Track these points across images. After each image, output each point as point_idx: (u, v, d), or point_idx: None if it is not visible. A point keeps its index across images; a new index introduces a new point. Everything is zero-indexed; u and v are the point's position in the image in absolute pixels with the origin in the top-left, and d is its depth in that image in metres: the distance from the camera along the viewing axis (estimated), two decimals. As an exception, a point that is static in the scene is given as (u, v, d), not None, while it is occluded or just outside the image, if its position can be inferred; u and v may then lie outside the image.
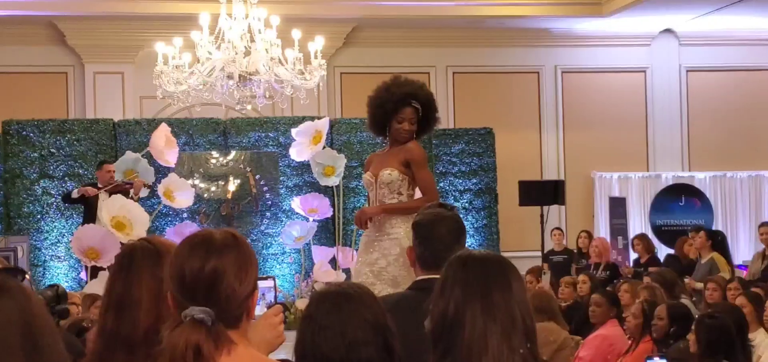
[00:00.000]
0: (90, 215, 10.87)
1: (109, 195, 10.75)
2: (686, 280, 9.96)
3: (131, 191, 10.99)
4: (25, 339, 1.84)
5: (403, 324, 3.02)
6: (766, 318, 6.42)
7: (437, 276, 3.39)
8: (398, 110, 5.99)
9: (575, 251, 13.21)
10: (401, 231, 5.95)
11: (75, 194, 11.14)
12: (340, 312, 2.58)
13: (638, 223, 15.20)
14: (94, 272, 9.20)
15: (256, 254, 2.58)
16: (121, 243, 9.56)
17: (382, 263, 5.95)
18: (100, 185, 11.07)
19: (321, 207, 12.22)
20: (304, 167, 12.49)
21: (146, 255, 2.74)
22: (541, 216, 14.13)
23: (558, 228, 13.87)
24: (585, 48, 15.70)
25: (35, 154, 12.36)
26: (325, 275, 11.79)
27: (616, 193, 15.41)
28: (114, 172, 11.13)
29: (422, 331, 2.89)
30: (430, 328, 2.44)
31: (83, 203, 10.94)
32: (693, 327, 5.47)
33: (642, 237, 12.75)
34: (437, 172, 13.75)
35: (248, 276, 2.42)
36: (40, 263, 12.17)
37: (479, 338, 2.34)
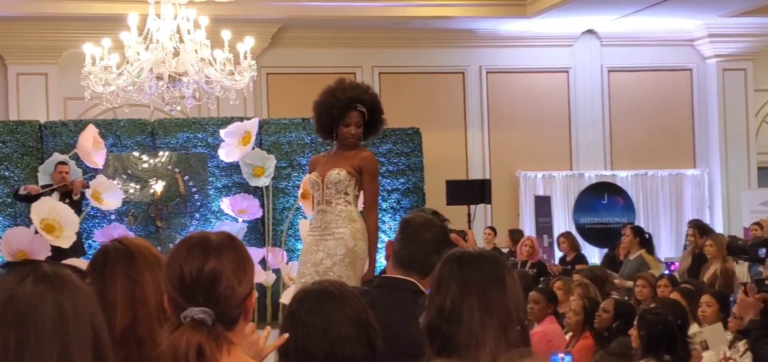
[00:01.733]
0: None
1: (60, 194, 10.61)
2: (616, 280, 10.17)
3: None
4: (94, 337, 1.87)
5: None
6: (701, 313, 6.63)
7: (404, 278, 3.45)
8: (344, 114, 6.04)
9: (506, 250, 13.38)
10: (347, 232, 6.01)
11: (22, 191, 10.97)
12: (323, 310, 2.61)
13: (562, 222, 15.45)
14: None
15: None
16: (52, 246, 9.46)
17: (328, 263, 6.01)
18: (55, 185, 10.90)
19: (250, 207, 12.19)
20: (233, 168, 12.42)
21: (119, 256, 2.72)
22: (469, 215, 14.29)
23: (490, 228, 14.04)
24: (509, 48, 15.91)
25: (-41, 156, 12.09)
26: (256, 276, 11.76)
27: (541, 192, 15.66)
28: (65, 172, 10.98)
29: (384, 326, 2.94)
30: (426, 324, 2.49)
31: (33, 202, 10.72)
32: (635, 322, 5.61)
33: (567, 235, 12.96)
34: (365, 171, 13.78)
35: (247, 276, 2.43)
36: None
37: (477, 333, 2.41)
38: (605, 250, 13.58)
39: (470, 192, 14.48)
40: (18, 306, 1.82)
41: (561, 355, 2.77)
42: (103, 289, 2.67)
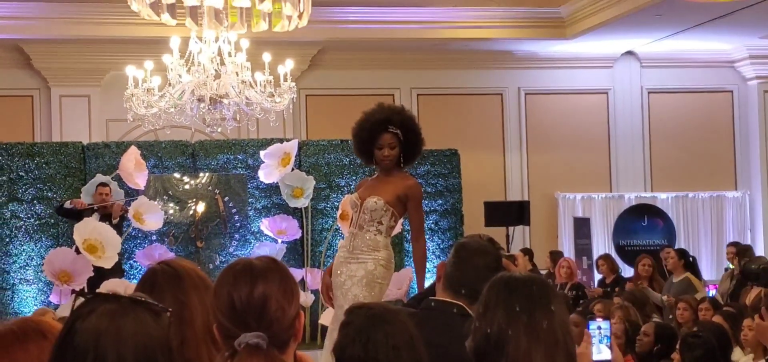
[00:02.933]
0: None
1: (100, 216, 10.74)
2: (663, 297, 10.06)
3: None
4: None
5: None
6: (743, 337, 6.56)
7: (452, 301, 3.45)
8: (375, 137, 6.05)
9: (545, 272, 13.31)
10: (369, 259, 6.07)
11: (68, 204, 11.08)
12: (404, 332, 2.60)
13: (602, 243, 15.36)
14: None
15: None
16: (94, 267, 9.59)
17: (348, 284, 6.07)
18: (95, 206, 11.03)
19: (289, 228, 12.28)
20: (273, 189, 12.51)
21: (168, 279, 2.74)
22: (507, 236, 14.25)
23: (523, 250, 13.98)
24: (548, 70, 15.88)
25: (3, 177, 12.20)
26: (295, 297, 11.82)
27: (580, 214, 15.57)
28: (105, 194, 11.13)
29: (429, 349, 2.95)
30: (471, 347, 2.50)
31: (75, 219, 10.87)
32: (677, 346, 5.56)
33: (606, 257, 12.83)
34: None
35: (294, 297, 2.45)
36: (8, 286, 12.04)
37: (523, 358, 2.41)
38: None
39: (508, 213, 14.45)
40: (74, 338, 1.91)
41: (598, 322, 2.78)
42: None
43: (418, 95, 15.65)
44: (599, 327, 2.71)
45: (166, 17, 9.27)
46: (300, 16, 9.56)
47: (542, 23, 14.72)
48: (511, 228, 14.34)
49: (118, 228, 10.92)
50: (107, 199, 11.04)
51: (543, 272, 13.25)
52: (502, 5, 14.41)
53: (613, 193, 15.94)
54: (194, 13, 9.47)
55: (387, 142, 6.02)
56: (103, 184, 11.33)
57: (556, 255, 13.26)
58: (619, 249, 15.12)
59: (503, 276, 2.63)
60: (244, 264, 2.48)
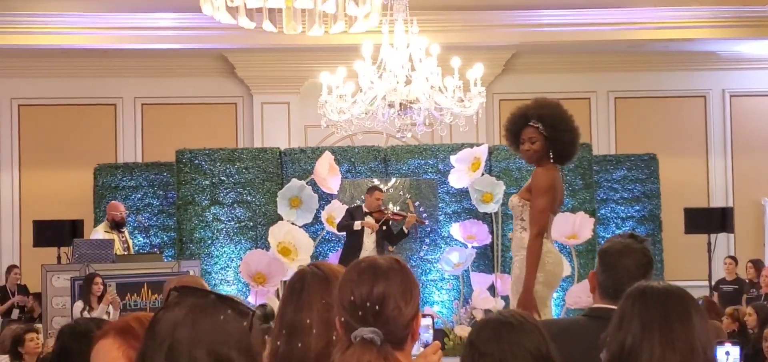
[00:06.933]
0: (357, 242, 11.27)
1: (378, 224, 11.19)
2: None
3: (402, 224, 11.47)
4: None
5: (570, 348, 3.05)
6: None
7: (615, 307, 3.39)
8: (519, 132, 5.99)
9: (746, 281, 12.74)
10: (517, 259, 6.12)
11: (357, 226, 11.47)
12: (500, 341, 2.60)
13: (813, 253, 14.55)
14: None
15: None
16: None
17: (515, 287, 6.12)
18: (366, 209, 11.46)
19: (480, 233, 12.28)
20: (463, 194, 12.55)
21: (316, 281, 2.83)
22: (709, 244, 13.71)
23: (731, 257, 13.45)
24: (755, 70, 15.20)
25: (206, 182, 12.82)
26: (483, 302, 11.83)
27: (789, 221, 14.80)
28: (382, 199, 11.61)
29: (591, 357, 2.90)
30: (606, 359, 2.47)
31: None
32: None
33: None
34: (598, 198, 13.57)
35: (413, 298, 2.52)
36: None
37: None
38: None
39: (710, 220, 13.88)
40: (155, 326, 2.01)
41: (727, 347, 2.69)
42: (300, 313, 2.80)
43: (615, 98, 15.32)
44: (727, 353, 2.62)
45: (243, 21, 9.01)
46: (366, 16, 9.04)
47: (747, 22, 14.09)
48: (713, 236, 13.78)
49: (400, 236, 11.43)
50: (386, 211, 11.56)
51: (746, 281, 12.72)
52: (705, 4, 13.89)
53: (828, 199, 15.06)
54: (272, 15, 9.18)
55: (528, 136, 5.97)
56: (379, 188, 11.77)
57: (758, 264, 12.64)
58: (832, 260, 14.27)
59: (640, 287, 2.58)
60: (369, 262, 2.58)
